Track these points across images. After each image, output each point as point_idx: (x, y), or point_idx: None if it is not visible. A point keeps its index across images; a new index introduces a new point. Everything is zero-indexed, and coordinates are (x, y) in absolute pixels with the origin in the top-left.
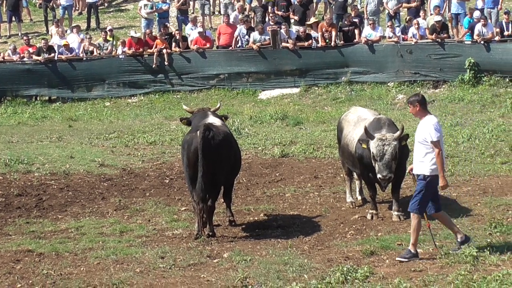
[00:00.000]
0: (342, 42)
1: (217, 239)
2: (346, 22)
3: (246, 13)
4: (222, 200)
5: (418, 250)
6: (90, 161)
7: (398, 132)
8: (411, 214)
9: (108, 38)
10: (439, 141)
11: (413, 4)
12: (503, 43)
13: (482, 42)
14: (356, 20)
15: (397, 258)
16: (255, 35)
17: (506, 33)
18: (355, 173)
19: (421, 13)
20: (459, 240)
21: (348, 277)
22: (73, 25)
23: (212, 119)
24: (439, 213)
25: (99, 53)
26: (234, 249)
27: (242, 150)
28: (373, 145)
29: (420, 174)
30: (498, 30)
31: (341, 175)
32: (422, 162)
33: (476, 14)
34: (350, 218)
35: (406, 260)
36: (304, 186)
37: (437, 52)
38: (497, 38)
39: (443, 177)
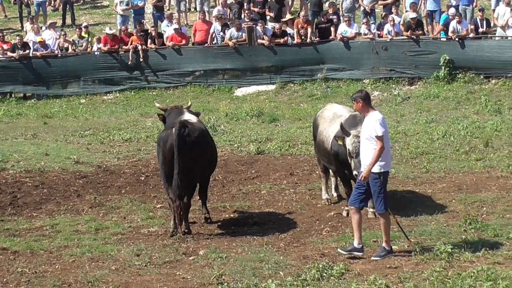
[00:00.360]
0: (317, 39)
1: (192, 237)
2: (323, 19)
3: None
4: (198, 198)
5: (393, 247)
6: (65, 158)
7: None
8: (380, 214)
9: (83, 34)
10: (383, 137)
11: (389, 1)
12: (478, 40)
13: (457, 39)
14: (334, 17)
15: (372, 258)
16: (232, 31)
17: (480, 30)
18: (330, 170)
19: (393, 9)
20: (354, 245)
21: (324, 274)
22: (49, 21)
23: (188, 116)
24: (359, 210)
25: (74, 50)
26: (209, 247)
27: (218, 147)
28: (349, 142)
29: (374, 174)
30: (472, 27)
31: (317, 172)
32: (369, 159)
33: (451, 11)
34: (325, 215)
35: (380, 258)
36: (280, 183)
37: (412, 49)
38: (471, 35)
39: (369, 170)
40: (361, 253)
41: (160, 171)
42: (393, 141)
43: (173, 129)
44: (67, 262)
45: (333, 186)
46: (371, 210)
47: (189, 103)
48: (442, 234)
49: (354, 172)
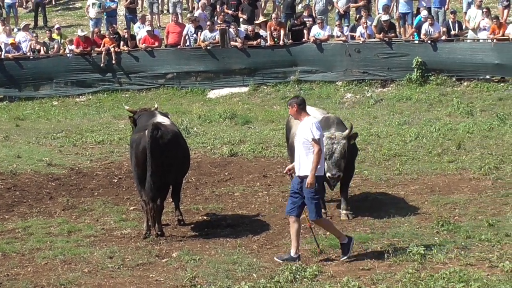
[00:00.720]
0: (290, 41)
1: (166, 239)
2: (296, 22)
3: (194, 12)
4: (171, 200)
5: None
6: (37, 160)
7: (347, 131)
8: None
9: (54, 36)
10: (320, 140)
11: (361, 3)
12: (450, 43)
13: (429, 41)
14: (309, 19)
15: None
16: (205, 33)
17: (452, 32)
18: None
19: (363, 13)
20: (291, 254)
21: (297, 276)
22: (23, 23)
23: (161, 118)
24: (298, 219)
25: (46, 52)
26: (183, 249)
27: (191, 149)
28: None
29: (304, 176)
30: (444, 29)
31: None
32: (305, 164)
33: (423, 13)
34: None
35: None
36: (253, 185)
37: (385, 51)
38: (443, 37)
39: (313, 175)
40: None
41: (133, 173)
42: (366, 143)
43: (146, 131)
44: (40, 265)
45: None
46: (344, 212)
47: (156, 106)
48: (415, 236)
49: (327, 174)
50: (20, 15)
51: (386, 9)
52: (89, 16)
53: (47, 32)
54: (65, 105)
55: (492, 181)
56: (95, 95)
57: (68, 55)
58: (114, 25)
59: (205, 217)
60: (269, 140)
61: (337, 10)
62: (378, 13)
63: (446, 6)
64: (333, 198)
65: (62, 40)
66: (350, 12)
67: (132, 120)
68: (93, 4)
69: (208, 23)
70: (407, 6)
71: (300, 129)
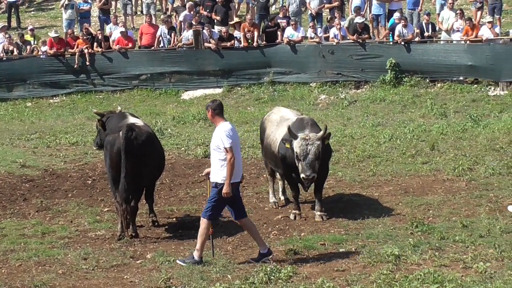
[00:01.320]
0: (264, 42)
1: (140, 240)
2: (270, 23)
3: (168, 13)
4: (145, 201)
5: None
6: (11, 162)
7: (322, 132)
8: (201, 219)
9: (26, 38)
10: (232, 148)
11: (335, 4)
12: (423, 44)
13: (403, 43)
14: (284, 21)
15: (177, 260)
16: (187, 33)
17: (426, 34)
18: (278, 174)
19: (336, 13)
20: (261, 251)
21: (272, 277)
22: (0, 25)
23: (133, 120)
24: (242, 220)
25: (19, 53)
26: (157, 250)
27: (165, 150)
28: (297, 145)
29: (213, 182)
30: (418, 31)
31: (264, 175)
32: (216, 170)
33: (396, 15)
34: (273, 218)
35: (185, 264)
36: None
37: (359, 52)
38: (417, 39)
39: (228, 184)
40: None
41: (107, 175)
42: (340, 144)
43: (120, 132)
44: (14, 266)
45: (280, 190)
46: (318, 213)
47: (119, 108)
48: (389, 237)
49: (302, 175)
50: None
51: (358, 10)
52: (63, 16)
53: (18, 35)
54: (38, 106)
55: (465, 182)
56: (69, 96)
57: (42, 56)
58: (87, 25)
59: (179, 219)
60: (243, 142)
61: (309, 12)
62: (351, 14)
63: (419, 8)
64: (307, 199)
65: (35, 42)
66: (323, 14)
67: (101, 123)
68: (66, 5)
69: (186, 24)
70: (380, 8)
71: (214, 135)
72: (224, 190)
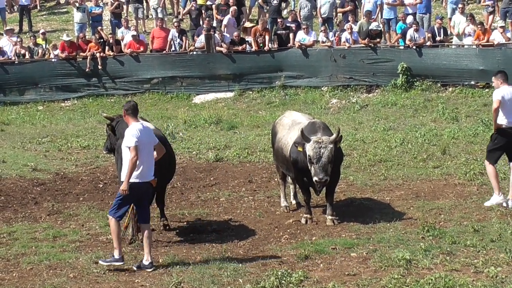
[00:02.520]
0: (276, 46)
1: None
2: (280, 26)
3: (180, 16)
4: (156, 205)
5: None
6: (22, 165)
7: (335, 135)
8: (108, 217)
9: (39, 42)
10: (136, 147)
11: (347, 8)
12: (435, 48)
13: (414, 47)
14: (293, 25)
15: (99, 261)
16: (201, 38)
17: (438, 38)
18: (289, 177)
19: (350, 18)
20: (115, 256)
21: (283, 281)
22: (6, 28)
23: (144, 123)
24: (143, 225)
25: (30, 56)
26: (168, 254)
27: (177, 154)
28: (309, 148)
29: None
30: (430, 35)
31: (275, 179)
32: (124, 168)
33: (409, 19)
34: (284, 223)
35: (106, 264)
36: (239, 191)
37: (370, 57)
38: (428, 43)
39: (127, 182)
40: (121, 263)
41: (118, 178)
42: (351, 148)
43: None
44: (25, 270)
45: (291, 194)
46: (329, 217)
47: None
48: (400, 241)
49: (315, 178)
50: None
51: (369, 14)
52: (75, 20)
53: (31, 38)
54: (50, 110)
55: (477, 187)
56: (80, 100)
57: (53, 59)
58: (100, 28)
59: (190, 222)
60: (255, 146)
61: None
62: (363, 19)
63: (431, 12)
64: (318, 203)
65: (47, 45)
66: (334, 18)
67: (111, 128)
68: (78, 8)
69: (205, 28)
70: (391, 12)
71: (125, 135)
72: (122, 187)
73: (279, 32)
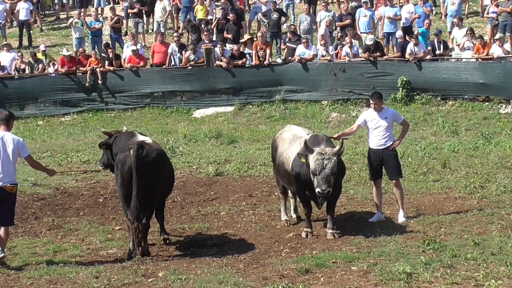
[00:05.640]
0: (283, 57)
1: (152, 258)
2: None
3: (180, 31)
4: (155, 219)
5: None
6: (22, 180)
7: (338, 147)
8: None
9: (39, 57)
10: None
11: (346, 22)
12: (435, 62)
13: (414, 61)
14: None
15: None
16: (189, 54)
17: (437, 52)
18: (290, 191)
19: (347, 32)
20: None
21: None
22: (4, 43)
23: (143, 138)
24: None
25: (31, 71)
26: (169, 268)
27: (177, 168)
28: (312, 159)
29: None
30: (430, 48)
31: (276, 193)
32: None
33: (398, 34)
34: (285, 236)
35: None
36: (239, 205)
37: (370, 70)
38: (428, 57)
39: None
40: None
41: (118, 193)
42: (352, 162)
43: (131, 150)
44: (25, 285)
45: (292, 208)
46: (330, 231)
47: (125, 128)
48: (401, 255)
49: (317, 190)
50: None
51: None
52: (73, 35)
53: (31, 54)
54: (50, 124)
55: (477, 200)
56: (80, 115)
57: (52, 74)
58: (111, 50)
59: (191, 237)
60: (255, 160)
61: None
62: (361, 32)
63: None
64: (319, 217)
65: (47, 60)
66: (335, 32)
67: (105, 146)
68: (76, 23)
69: (191, 46)
70: (392, 26)
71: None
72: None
73: (288, 45)
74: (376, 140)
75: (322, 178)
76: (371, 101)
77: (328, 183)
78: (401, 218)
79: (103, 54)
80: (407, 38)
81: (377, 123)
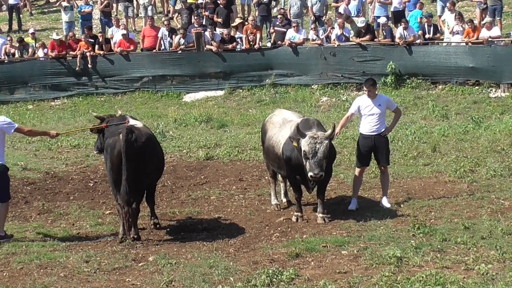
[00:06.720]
0: (272, 40)
1: (142, 243)
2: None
3: (170, 15)
4: (146, 204)
5: None
6: (12, 164)
7: (330, 131)
8: None
9: (27, 41)
10: None
11: (339, 4)
12: (425, 46)
13: (404, 45)
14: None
15: None
16: (179, 39)
17: (427, 36)
18: (280, 175)
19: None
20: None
21: (274, 279)
22: None
23: (133, 122)
24: None
25: (20, 55)
26: (159, 253)
27: (167, 153)
28: (305, 143)
29: None
30: (420, 32)
31: (266, 177)
32: None
33: (382, 20)
34: (275, 221)
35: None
36: (229, 189)
37: (360, 55)
38: (418, 41)
39: None
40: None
41: (108, 177)
42: (342, 146)
43: (121, 135)
44: (15, 269)
45: (282, 192)
46: (320, 215)
47: (119, 112)
48: (391, 239)
49: (310, 174)
50: None
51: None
52: (63, 19)
53: (18, 38)
54: (40, 109)
55: (467, 184)
56: (70, 99)
57: (41, 58)
58: (90, 26)
59: (181, 221)
60: (245, 144)
61: (311, 15)
62: (353, 16)
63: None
64: (309, 201)
65: (36, 44)
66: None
67: (96, 130)
68: (66, 7)
69: (181, 30)
70: (382, 10)
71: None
72: None
73: (277, 29)
74: (369, 126)
75: (315, 162)
76: (364, 88)
77: (321, 167)
78: (386, 204)
79: (86, 38)
80: (399, 25)
81: (371, 110)
